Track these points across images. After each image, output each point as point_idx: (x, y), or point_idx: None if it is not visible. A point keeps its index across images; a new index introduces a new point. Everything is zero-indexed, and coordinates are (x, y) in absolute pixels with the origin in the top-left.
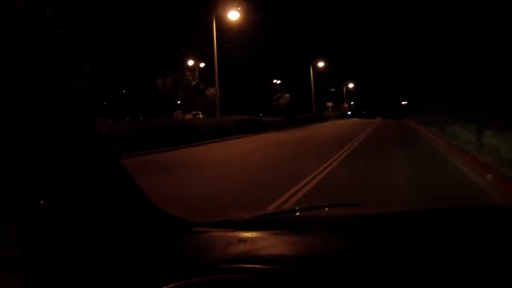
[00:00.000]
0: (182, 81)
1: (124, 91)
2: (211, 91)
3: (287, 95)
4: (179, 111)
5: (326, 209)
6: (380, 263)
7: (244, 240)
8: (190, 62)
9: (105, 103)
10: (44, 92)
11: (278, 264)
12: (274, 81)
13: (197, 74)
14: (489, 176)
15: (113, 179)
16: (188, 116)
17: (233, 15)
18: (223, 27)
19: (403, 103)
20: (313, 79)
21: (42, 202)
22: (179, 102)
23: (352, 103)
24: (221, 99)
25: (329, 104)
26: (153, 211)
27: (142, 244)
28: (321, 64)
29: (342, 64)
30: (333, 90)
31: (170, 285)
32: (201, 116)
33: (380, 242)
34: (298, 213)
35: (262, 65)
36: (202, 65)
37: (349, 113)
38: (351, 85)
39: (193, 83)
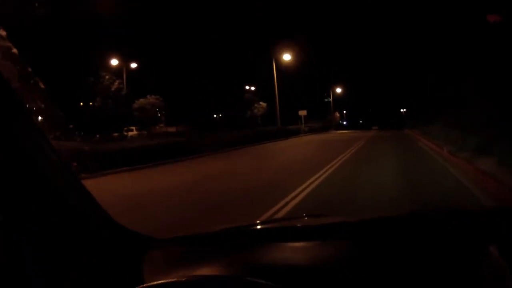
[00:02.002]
0: (97, 86)
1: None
2: (150, 99)
3: (263, 104)
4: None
5: (290, 220)
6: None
7: (203, 255)
8: (114, 62)
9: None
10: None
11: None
12: (247, 87)
13: (124, 77)
14: None
15: (72, 195)
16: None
17: None
18: None
19: (402, 110)
20: (276, 80)
21: None
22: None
23: (344, 112)
24: (164, 110)
25: (302, 112)
26: (113, 226)
27: (102, 258)
28: (287, 57)
29: (336, 70)
30: (329, 100)
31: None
32: (135, 132)
33: (339, 252)
34: (258, 227)
35: (227, 67)
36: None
37: (344, 123)
38: (339, 90)
39: (113, 88)
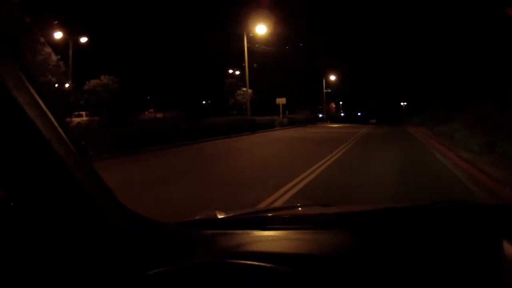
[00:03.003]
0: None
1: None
2: (103, 80)
3: (250, 90)
4: None
5: (299, 208)
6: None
7: (206, 240)
8: (58, 35)
9: None
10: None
11: (249, 260)
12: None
13: (70, 53)
14: None
15: (82, 175)
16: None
17: None
18: None
19: (402, 104)
20: (247, 62)
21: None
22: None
23: (341, 103)
24: (120, 95)
25: (280, 100)
26: (122, 210)
27: (110, 242)
28: (261, 30)
29: (333, 57)
30: (329, 91)
31: (155, 270)
32: (84, 118)
33: (349, 240)
34: (267, 213)
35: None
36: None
37: (342, 114)
38: (336, 79)
39: (51, 65)
